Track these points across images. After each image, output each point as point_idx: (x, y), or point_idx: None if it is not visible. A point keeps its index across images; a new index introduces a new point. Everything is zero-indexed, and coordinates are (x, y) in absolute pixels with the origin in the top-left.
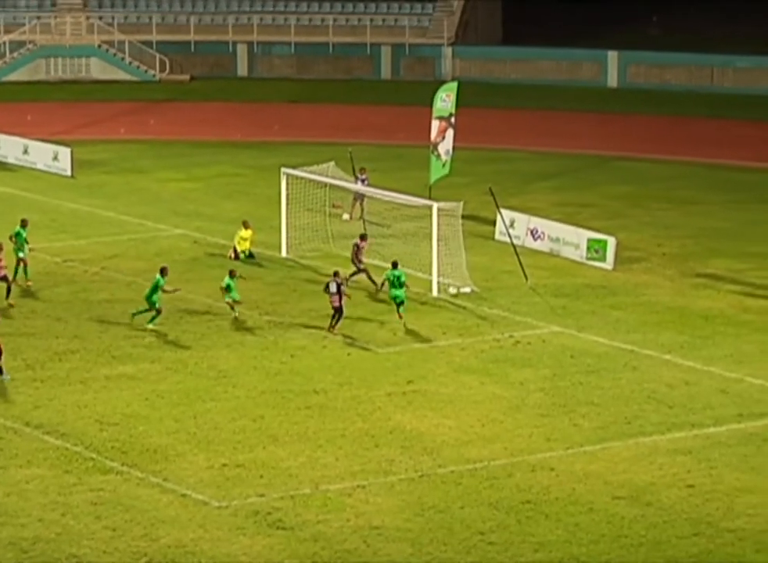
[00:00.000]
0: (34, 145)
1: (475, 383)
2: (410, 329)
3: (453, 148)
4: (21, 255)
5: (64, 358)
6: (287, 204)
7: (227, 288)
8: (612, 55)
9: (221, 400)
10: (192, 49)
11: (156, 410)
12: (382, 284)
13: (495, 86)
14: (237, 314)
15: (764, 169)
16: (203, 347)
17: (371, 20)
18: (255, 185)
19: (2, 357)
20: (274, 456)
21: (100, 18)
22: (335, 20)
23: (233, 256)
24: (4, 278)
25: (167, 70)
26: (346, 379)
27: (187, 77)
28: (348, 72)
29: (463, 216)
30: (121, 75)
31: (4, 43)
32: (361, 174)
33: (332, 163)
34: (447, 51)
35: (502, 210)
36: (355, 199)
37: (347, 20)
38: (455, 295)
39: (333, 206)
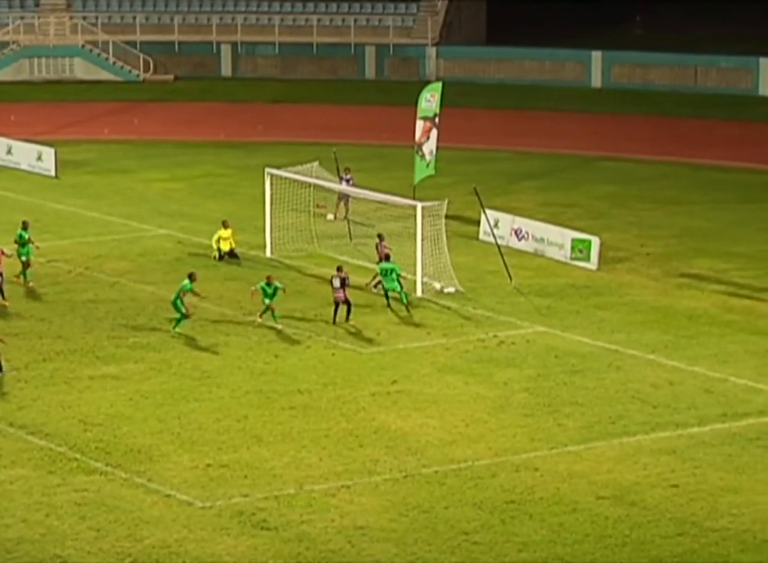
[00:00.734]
0: (18, 146)
1: (460, 383)
2: (393, 330)
3: (438, 148)
4: (23, 258)
5: (48, 359)
6: (271, 204)
7: (265, 294)
8: (596, 55)
9: (205, 401)
10: (176, 49)
11: (140, 411)
12: (378, 282)
13: (479, 86)
14: (271, 322)
15: (748, 169)
16: (187, 347)
17: (355, 20)
18: (239, 185)
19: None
20: (258, 456)
21: (84, 18)
22: (319, 20)
23: (217, 256)
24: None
25: (151, 70)
26: (331, 379)
27: (171, 77)
28: (332, 72)
29: (447, 217)
30: (105, 75)
31: None
32: (346, 174)
33: (317, 163)
34: (431, 51)
35: (486, 210)
36: (339, 199)
37: (331, 20)
38: (439, 292)
39: (317, 207)
